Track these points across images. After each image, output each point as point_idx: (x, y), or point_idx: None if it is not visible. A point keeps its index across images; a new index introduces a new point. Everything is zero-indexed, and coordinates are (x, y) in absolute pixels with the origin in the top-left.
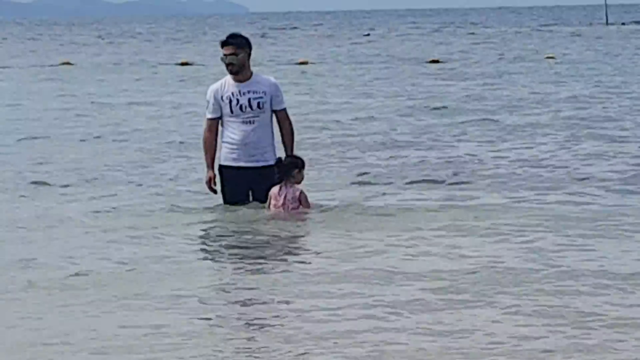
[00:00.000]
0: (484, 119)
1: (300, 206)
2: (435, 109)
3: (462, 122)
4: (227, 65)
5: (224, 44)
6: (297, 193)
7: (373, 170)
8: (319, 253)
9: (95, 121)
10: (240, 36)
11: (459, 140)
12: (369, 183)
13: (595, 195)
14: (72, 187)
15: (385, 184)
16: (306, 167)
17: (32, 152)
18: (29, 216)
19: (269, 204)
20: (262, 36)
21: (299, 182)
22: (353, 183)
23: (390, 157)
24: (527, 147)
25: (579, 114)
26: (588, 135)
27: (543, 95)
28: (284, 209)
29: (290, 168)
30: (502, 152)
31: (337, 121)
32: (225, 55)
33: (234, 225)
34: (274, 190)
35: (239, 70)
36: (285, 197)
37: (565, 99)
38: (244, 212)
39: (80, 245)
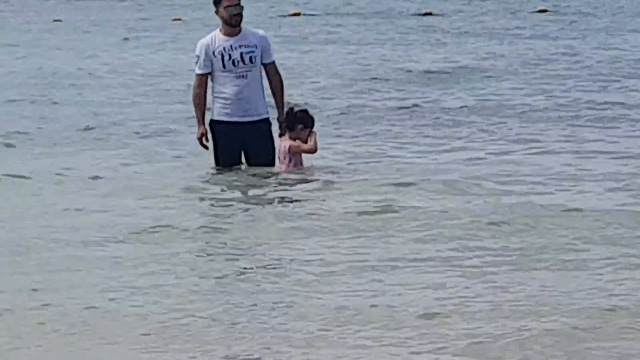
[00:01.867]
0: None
1: (296, 164)
2: None
3: None
4: (235, 15)
5: None
6: (287, 148)
7: None
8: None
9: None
10: None
11: None
12: None
13: None
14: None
15: None
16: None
17: None
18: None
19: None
20: None
21: (300, 139)
22: None
23: None
24: None
25: None
26: None
27: None
28: (279, 160)
29: (295, 121)
30: None
31: None
32: (233, 5)
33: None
34: (279, 147)
35: (241, 22)
36: (279, 150)
37: None
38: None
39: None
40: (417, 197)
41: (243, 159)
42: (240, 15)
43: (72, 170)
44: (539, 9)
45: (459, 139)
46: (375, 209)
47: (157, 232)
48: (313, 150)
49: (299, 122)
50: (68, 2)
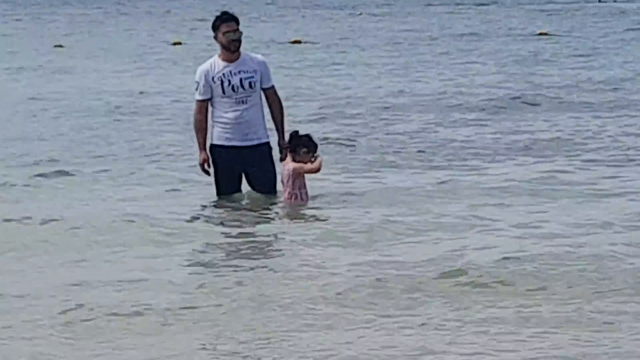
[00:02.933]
0: None
1: (300, 188)
2: None
3: None
4: (234, 41)
5: (228, 19)
6: (290, 170)
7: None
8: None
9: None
10: (234, 14)
11: None
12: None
13: None
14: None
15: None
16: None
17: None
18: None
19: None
20: (253, 16)
21: (303, 162)
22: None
23: None
24: None
25: None
26: None
27: None
28: (283, 185)
29: (298, 144)
30: None
31: None
32: (232, 31)
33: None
34: (283, 171)
35: (239, 47)
36: (282, 175)
37: None
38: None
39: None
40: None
41: (244, 183)
42: (239, 41)
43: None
44: None
45: None
46: None
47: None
48: (316, 170)
49: (303, 145)
50: (70, 24)
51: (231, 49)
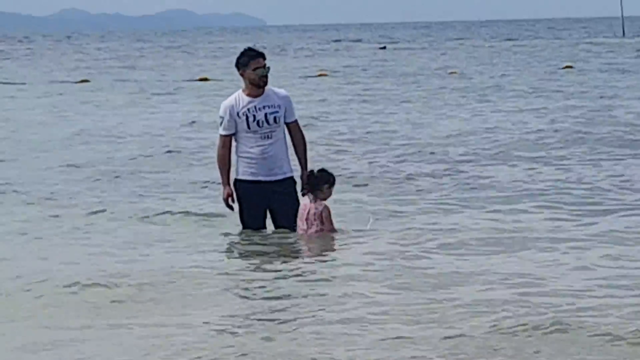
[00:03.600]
0: None
1: (323, 226)
2: None
3: None
4: (263, 77)
5: (256, 56)
6: (320, 209)
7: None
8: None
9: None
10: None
11: None
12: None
13: None
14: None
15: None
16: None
17: None
18: None
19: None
20: (281, 50)
21: (326, 199)
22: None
23: None
24: None
25: None
26: None
27: None
28: (307, 224)
29: (320, 182)
30: None
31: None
32: (261, 67)
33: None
34: (303, 202)
35: (267, 82)
36: (308, 212)
37: None
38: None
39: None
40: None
41: (268, 218)
42: (267, 77)
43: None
44: None
45: None
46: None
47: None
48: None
49: (324, 182)
50: (95, 62)
51: (261, 85)
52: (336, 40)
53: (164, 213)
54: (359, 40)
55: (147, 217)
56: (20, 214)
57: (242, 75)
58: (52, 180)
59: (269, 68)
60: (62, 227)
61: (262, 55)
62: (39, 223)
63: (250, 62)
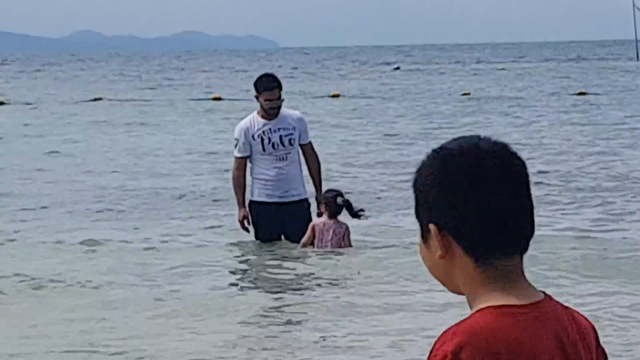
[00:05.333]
0: None
1: (343, 243)
2: None
3: None
4: (274, 109)
5: (271, 88)
6: (343, 229)
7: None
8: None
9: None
10: (276, 77)
11: None
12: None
13: None
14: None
15: None
16: None
17: None
18: None
19: (311, 236)
20: (294, 69)
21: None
22: None
23: None
24: None
25: None
26: None
27: None
28: (330, 244)
29: (341, 208)
30: None
31: None
32: (273, 99)
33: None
34: (319, 224)
35: (278, 113)
36: (333, 231)
37: None
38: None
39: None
40: None
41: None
42: (279, 108)
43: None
44: None
45: None
46: None
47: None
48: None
49: (343, 209)
50: (110, 81)
51: (270, 115)
52: (352, 62)
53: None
54: (375, 63)
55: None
56: None
57: (256, 98)
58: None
59: (282, 100)
60: None
61: (277, 87)
62: None
63: (264, 93)
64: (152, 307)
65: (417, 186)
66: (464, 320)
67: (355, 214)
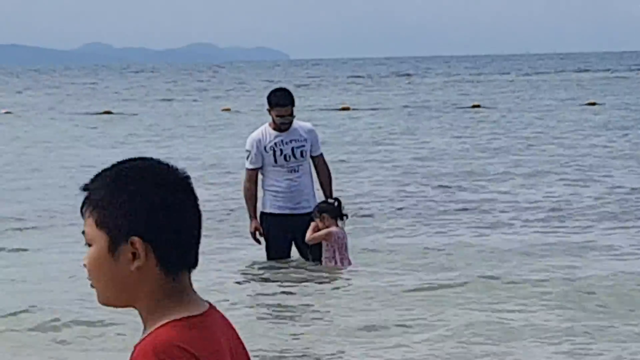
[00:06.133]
0: None
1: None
2: None
3: None
4: (285, 124)
5: (283, 104)
6: (344, 235)
7: None
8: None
9: None
10: (290, 93)
11: None
12: None
13: None
14: None
15: None
16: None
17: None
18: None
19: (324, 238)
20: (305, 85)
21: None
22: None
23: None
24: None
25: None
26: None
27: None
28: (348, 262)
29: (338, 208)
30: None
31: None
32: (285, 115)
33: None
34: (338, 233)
35: (289, 127)
36: (345, 246)
37: None
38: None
39: None
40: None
41: (293, 249)
42: (290, 123)
43: None
44: None
45: None
46: None
47: None
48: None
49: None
50: (118, 97)
51: (281, 129)
52: (358, 76)
53: None
54: (385, 75)
55: None
56: None
57: (268, 111)
58: None
59: (294, 117)
60: None
61: (289, 103)
62: None
63: (276, 108)
64: None
65: (103, 200)
66: (149, 335)
67: (341, 214)
